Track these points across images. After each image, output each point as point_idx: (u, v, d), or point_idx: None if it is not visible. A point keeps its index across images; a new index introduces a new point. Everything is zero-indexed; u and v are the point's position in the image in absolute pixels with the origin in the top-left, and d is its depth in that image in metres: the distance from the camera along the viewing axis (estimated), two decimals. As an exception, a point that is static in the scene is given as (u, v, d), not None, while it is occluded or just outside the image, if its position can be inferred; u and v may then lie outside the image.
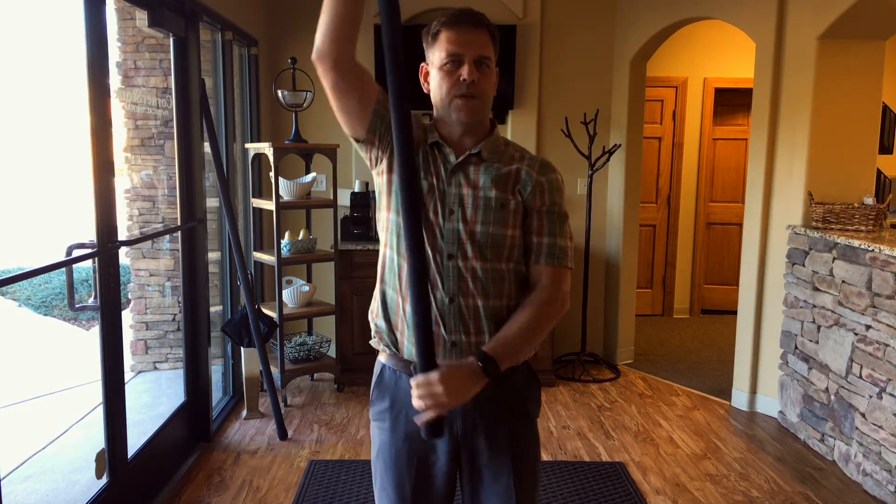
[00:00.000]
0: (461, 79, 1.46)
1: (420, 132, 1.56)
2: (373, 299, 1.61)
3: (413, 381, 1.37)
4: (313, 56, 1.41)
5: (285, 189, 4.01)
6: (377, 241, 4.51)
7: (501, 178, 1.52)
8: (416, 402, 1.36)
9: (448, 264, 1.49)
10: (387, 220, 1.55)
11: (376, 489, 1.64)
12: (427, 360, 1.37)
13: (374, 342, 1.62)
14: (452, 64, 1.47)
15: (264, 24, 4.57)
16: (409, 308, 1.48)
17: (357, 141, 1.55)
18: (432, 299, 1.49)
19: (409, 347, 1.52)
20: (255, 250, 4.32)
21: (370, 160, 1.56)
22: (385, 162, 1.52)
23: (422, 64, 1.55)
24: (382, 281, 1.57)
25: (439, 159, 1.53)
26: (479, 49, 1.46)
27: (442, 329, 1.50)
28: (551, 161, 1.62)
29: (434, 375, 1.34)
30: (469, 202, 1.50)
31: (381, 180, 1.56)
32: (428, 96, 1.56)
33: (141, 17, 4.12)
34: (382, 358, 1.62)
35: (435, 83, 1.51)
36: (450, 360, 1.50)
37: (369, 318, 1.63)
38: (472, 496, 1.60)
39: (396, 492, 1.58)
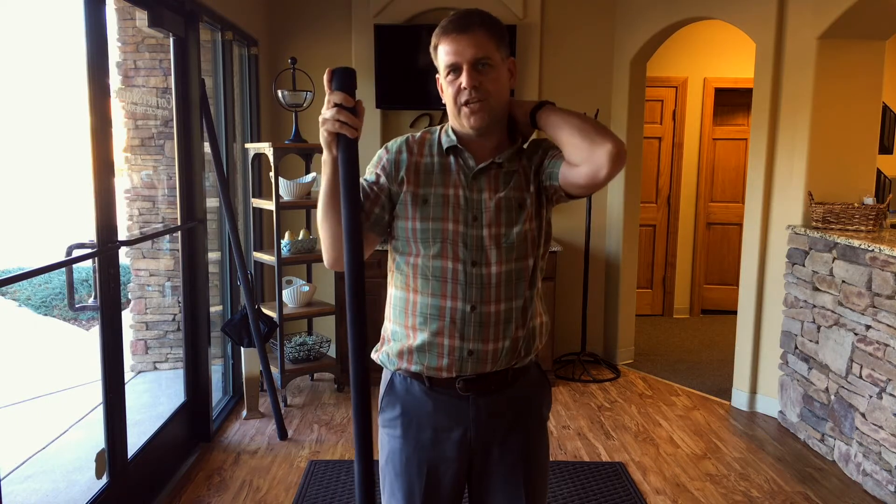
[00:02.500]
0: (462, 87, 1.45)
1: (425, 143, 1.54)
2: (380, 340, 1.62)
3: None
4: (328, 266, 1.52)
5: (285, 189, 4.01)
6: (377, 241, 4.53)
7: (519, 180, 1.52)
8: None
9: (472, 271, 1.48)
10: (396, 260, 1.56)
11: (384, 494, 1.63)
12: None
13: (375, 355, 1.62)
14: (453, 73, 1.46)
15: (264, 24, 4.57)
16: (424, 335, 1.50)
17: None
18: (447, 311, 1.48)
19: (416, 368, 1.53)
20: (255, 250, 4.32)
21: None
22: (386, 230, 1.56)
23: (436, 76, 1.55)
24: (391, 320, 1.58)
25: (457, 166, 1.52)
26: (473, 52, 1.44)
27: (457, 340, 1.48)
28: None
29: None
30: (492, 206, 1.49)
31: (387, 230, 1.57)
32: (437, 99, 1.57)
33: (141, 17, 4.12)
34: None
35: (444, 94, 1.51)
36: (467, 371, 1.50)
37: (373, 357, 1.62)
38: (480, 501, 1.60)
39: (406, 498, 1.57)
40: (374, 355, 1.62)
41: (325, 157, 1.39)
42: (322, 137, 1.37)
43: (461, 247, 1.48)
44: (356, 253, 1.34)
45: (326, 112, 1.34)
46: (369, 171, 1.56)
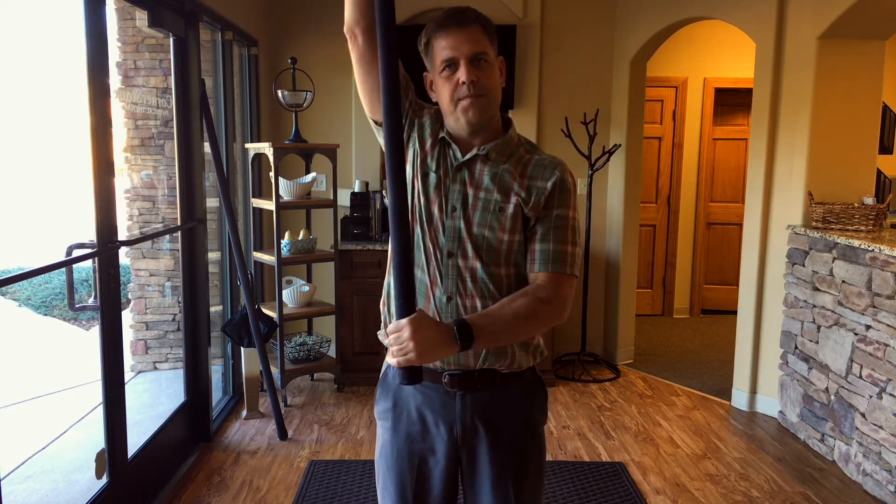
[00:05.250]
0: (460, 81, 1.44)
1: (437, 123, 1.55)
2: (383, 291, 1.62)
3: (388, 328, 1.32)
4: (345, 28, 1.47)
5: (285, 189, 4.01)
6: (377, 241, 4.54)
7: (505, 181, 1.50)
8: (390, 352, 1.32)
9: (448, 262, 1.49)
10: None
11: (379, 488, 1.64)
12: (406, 307, 1.31)
13: (381, 334, 1.61)
14: (449, 69, 1.45)
15: (264, 24, 4.57)
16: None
17: (377, 123, 1.55)
18: (430, 297, 1.49)
19: None
20: (255, 250, 4.32)
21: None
22: (409, 151, 1.54)
23: (424, 74, 1.54)
24: (389, 272, 1.57)
25: (447, 155, 1.53)
26: (471, 47, 1.44)
27: None
28: None
29: (404, 322, 1.29)
30: (470, 201, 1.49)
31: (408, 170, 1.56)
32: (436, 104, 1.56)
33: (141, 17, 4.12)
34: (388, 358, 1.62)
35: (438, 91, 1.50)
36: (450, 365, 1.50)
37: (381, 307, 1.63)
38: (472, 498, 1.60)
39: (397, 491, 1.58)
40: (380, 334, 1.62)
41: None
42: None
43: (441, 234, 1.49)
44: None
45: None
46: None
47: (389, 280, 1.57)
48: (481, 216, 1.48)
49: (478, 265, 1.48)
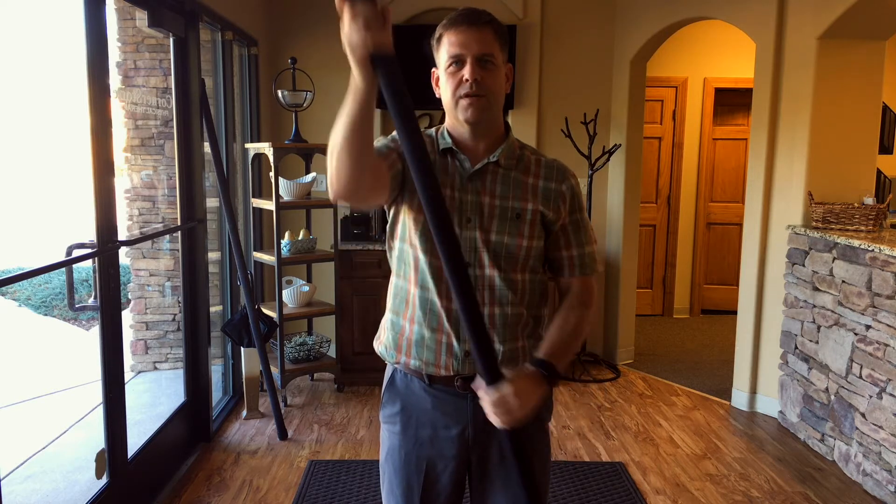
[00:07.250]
0: (464, 79, 1.44)
1: (427, 144, 1.53)
2: (379, 329, 1.63)
3: (486, 395, 1.32)
4: (332, 198, 1.35)
5: (285, 189, 4.01)
6: (377, 241, 4.54)
7: (518, 186, 1.51)
8: (493, 419, 1.34)
9: None
10: (397, 248, 1.56)
11: (384, 491, 1.64)
12: (492, 372, 1.32)
13: (378, 348, 1.64)
14: (455, 65, 1.45)
15: (264, 24, 4.57)
16: (422, 329, 1.50)
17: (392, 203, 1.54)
18: (441, 311, 1.48)
19: (415, 363, 1.53)
20: (255, 250, 4.32)
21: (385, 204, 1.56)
22: (393, 197, 1.52)
23: (433, 69, 1.54)
24: (390, 310, 1.58)
25: (453, 167, 1.51)
26: (480, 47, 1.44)
27: (454, 339, 1.48)
28: None
29: (507, 388, 1.31)
30: (486, 210, 1.48)
31: (390, 212, 1.56)
32: (439, 100, 1.55)
33: (141, 17, 4.12)
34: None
35: (442, 86, 1.50)
36: (465, 371, 1.50)
37: (375, 347, 1.63)
38: (480, 500, 1.60)
39: (404, 495, 1.58)
40: (375, 344, 1.63)
41: (358, 83, 1.24)
42: (352, 61, 1.22)
43: None
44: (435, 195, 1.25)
45: (354, 34, 1.19)
46: (385, 138, 1.52)
47: (391, 318, 1.57)
48: (500, 224, 1.48)
49: (495, 273, 1.48)
